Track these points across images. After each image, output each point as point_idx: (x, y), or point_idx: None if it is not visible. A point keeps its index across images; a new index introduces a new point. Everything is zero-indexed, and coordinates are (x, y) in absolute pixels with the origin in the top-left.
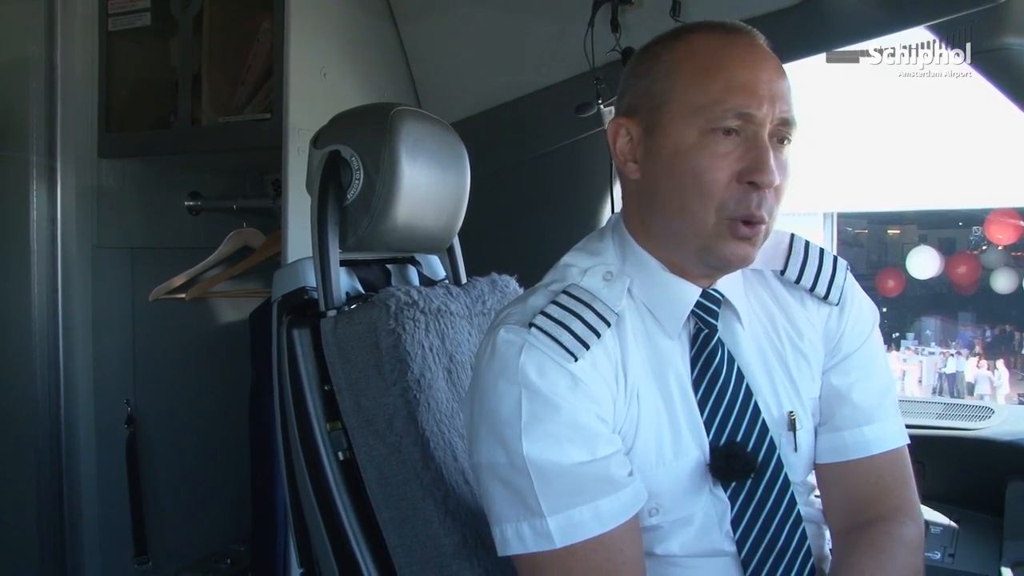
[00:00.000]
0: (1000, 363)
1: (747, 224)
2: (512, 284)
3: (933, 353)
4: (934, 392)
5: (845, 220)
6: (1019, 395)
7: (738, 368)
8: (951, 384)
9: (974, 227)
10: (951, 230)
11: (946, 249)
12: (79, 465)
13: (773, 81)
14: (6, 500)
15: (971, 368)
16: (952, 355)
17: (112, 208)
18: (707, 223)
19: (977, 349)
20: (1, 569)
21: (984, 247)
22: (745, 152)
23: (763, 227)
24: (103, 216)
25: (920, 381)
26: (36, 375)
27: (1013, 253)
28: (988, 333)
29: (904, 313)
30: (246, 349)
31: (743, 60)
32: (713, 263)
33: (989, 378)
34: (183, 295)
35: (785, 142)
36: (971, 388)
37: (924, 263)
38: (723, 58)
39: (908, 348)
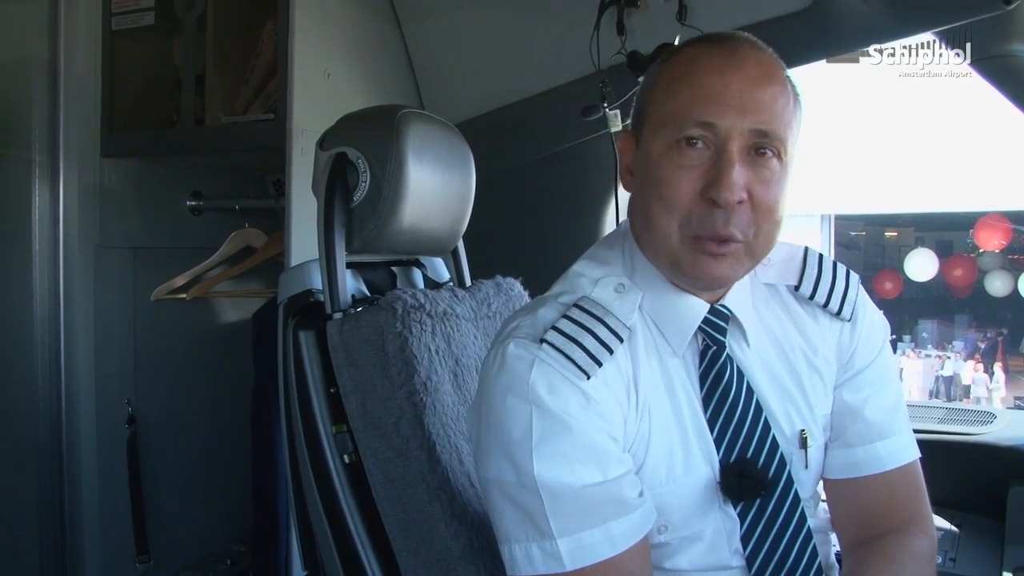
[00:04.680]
0: (997, 366)
1: (716, 242)
2: (517, 287)
3: (930, 355)
4: (931, 395)
5: (842, 222)
6: (1015, 398)
7: (748, 385)
8: (948, 386)
9: (971, 230)
10: (948, 232)
11: (943, 252)
12: (80, 464)
13: (746, 91)
14: (7, 499)
15: (968, 371)
16: (949, 357)
17: (114, 208)
18: (671, 238)
19: (974, 352)
20: (1, 568)
21: (981, 250)
22: (710, 167)
23: (737, 245)
24: (105, 216)
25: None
26: (37, 374)
27: (1009, 256)
28: (985, 336)
29: (901, 315)
30: (247, 349)
31: (715, 68)
32: (683, 280)
33: (985, 381)
34: (184, 295)
35: (767, 154)
36: (967, 391)
37: (922, 265)
38: (695, 67)
39: (906, 351)
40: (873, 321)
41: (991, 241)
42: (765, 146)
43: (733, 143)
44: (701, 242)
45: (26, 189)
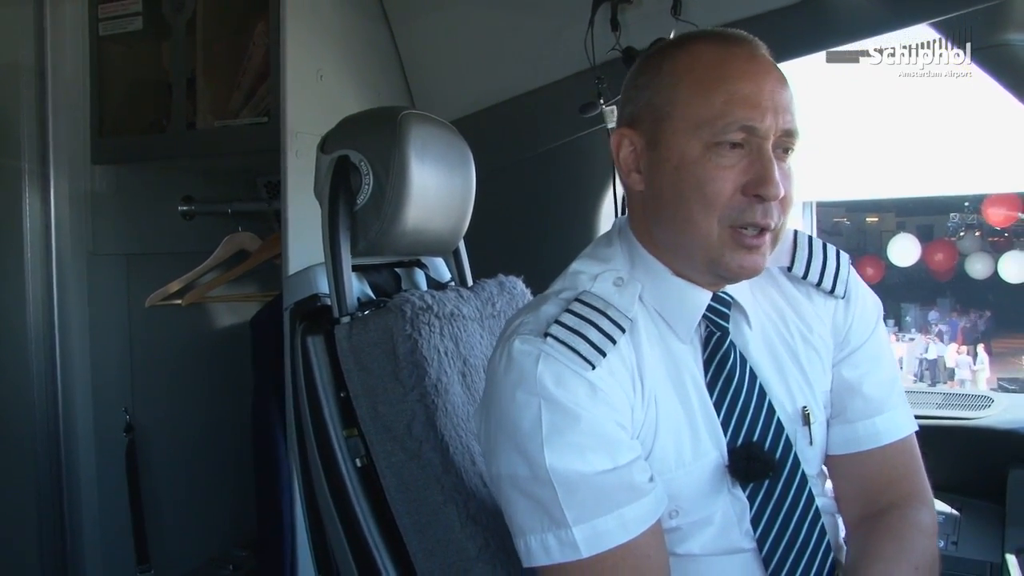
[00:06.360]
0: (980, 348)
1: (753, 234)
2: (519, 285)
3: (914, 339)
4: (915, 379)
5: (824, 209)
6: (999, 379)
7: (751, 368)
8: (932, 370)
9: (951, 214)
10: (929, 217)
11: (924, 236)
12: (78, 474)
13: (776, 93)
14: (5, 511)
15: (951, 353)
16: (933, 341)
17: (106, 214)
18: (712, 234)
19: (957, 334)
20: None
21: (961, 233)
22: (750, 165)
23: (769, 235)
24: (97, 223)
25: (900, 367)
26: (33, 384)
27: (989, 239)
28: (967, 319)
29: (884, 300)
30: (245, 354)
31: (745, 72)
32: (722, 274)
33: (969, 363)
34: (179, 301)
35: (789, 152)
36: (952, 374)
37: (905, 250)
38: (725, 70)
39: (889, 335)
40: (866, 299)
41: (1001, 217)
42: (789, 145)
43: (769, 142)
44: (740, 235)
45: (16, 198)
